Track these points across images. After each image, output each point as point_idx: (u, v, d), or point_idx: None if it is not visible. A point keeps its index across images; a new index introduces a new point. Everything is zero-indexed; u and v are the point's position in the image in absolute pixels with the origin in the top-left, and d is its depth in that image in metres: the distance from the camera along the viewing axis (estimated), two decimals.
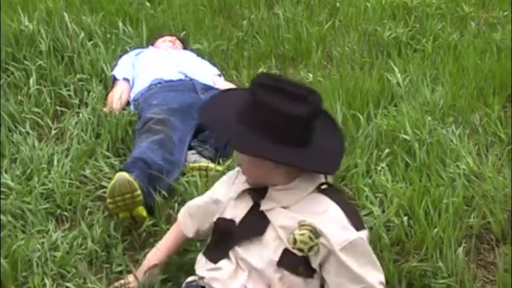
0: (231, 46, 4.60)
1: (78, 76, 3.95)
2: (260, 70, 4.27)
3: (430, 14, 5.06)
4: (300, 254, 2.15)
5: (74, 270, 2.70)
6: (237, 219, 2.29)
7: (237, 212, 2.31)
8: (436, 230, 2.79)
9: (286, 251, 2.16)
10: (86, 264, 2.74)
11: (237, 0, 5.23)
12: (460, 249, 2.71)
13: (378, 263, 2.22)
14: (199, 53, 4.33)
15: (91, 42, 4.21)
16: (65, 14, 4.30)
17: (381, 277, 2.21)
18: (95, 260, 2.78)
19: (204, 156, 3.35)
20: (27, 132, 3.51)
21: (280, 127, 2.15)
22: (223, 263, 2.27)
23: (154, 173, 3.02)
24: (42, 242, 2.82)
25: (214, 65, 4.18)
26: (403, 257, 2.78)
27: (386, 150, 3.35)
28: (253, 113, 2.17)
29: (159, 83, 3.76)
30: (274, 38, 4.73)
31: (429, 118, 3.56)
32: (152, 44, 4.33)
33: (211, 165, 3.26)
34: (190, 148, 3.38)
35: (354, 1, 5.32)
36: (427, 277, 2.67)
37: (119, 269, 2.73)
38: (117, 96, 3.78)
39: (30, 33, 4.17)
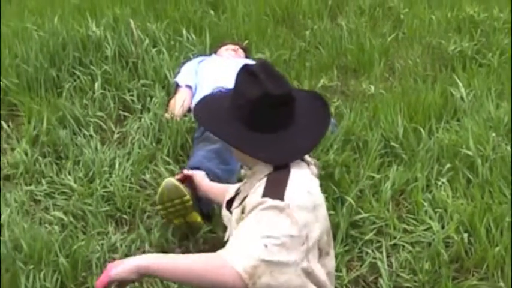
0: (293, 56, 4.59)
1: (141, 82, 4.00)
2: (322, 81, 4.26)
3: (497, 28, 4.98)
4: None
5: None
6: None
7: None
8: (497, 248, 2.74)
9: None
10: None
11: (300, 10, 5.24)
12: None
13: (265, 236, 1.90)
14: None
15: (155, 49, 4.26)
16: (131, 21, 4.37)
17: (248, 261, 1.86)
18: None
19: None
20: (91, 136, 3.58)
21: (243, 109, 2.17)
22: None
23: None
24: (102, 244, 2.87)
25: None
26: (462, 274, 2.74)
27: (448, 165, 3.31)
28: (232, 95, 2.23)
29: (221, 91, 3.78)
30: (336, 49, 4.71)
31: (493, 134, 3.49)
32: (215, 52, 4.36)
33: None
34: None
35: (419, 14, 5.27)
36: None
37: None
38: (180, 103, 3.81)
39: (97, 38, 4.24)
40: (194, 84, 3.97)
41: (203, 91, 3.80)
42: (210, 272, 1.88)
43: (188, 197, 2.85)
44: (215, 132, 2.28)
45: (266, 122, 2.17)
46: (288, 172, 2.13)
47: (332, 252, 2.22)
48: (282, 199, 2.00)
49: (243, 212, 2.12)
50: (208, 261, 1.92)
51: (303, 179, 2.14)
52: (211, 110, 2.30)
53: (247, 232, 1.96)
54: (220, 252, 1.94)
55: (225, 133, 2.21)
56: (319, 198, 2.17)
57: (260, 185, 2.10)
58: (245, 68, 2.22)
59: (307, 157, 2.28)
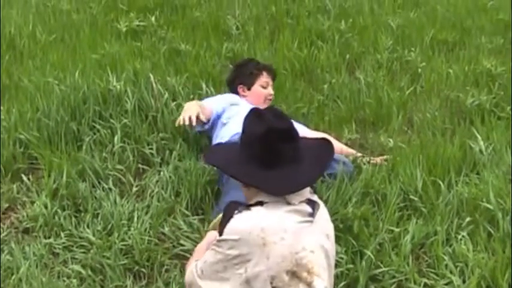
0: (311, 110, 4.61)
1: (160, 135, 4.02)
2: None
3: None
4: None
5: None
6: None
7: None
8: None
9: None
10: None
11: (318, 64, 5.28)
12: None
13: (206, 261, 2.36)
14: None
15: (174, 103, 4.29)
16: (151, 75, 4.42)
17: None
18: None
19: None
20: (110, 189, 3.59)
21: (245, 144, 2.39)
22: None
23: None
24: None
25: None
26: None
27: (468, 219, 3.28)
28: (241, 138, 2.46)
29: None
30: (354, 102, 4.73)
31: None
32: (249, 87, 4.25)
33: None
34: None
35: (436, 67, 5.30)
36: None
37: None
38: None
39: (117, 92, 4.29)
40: (216, 112, 3.99)
41: (234, 128, 3.74)
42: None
43: None
44: (223, 168, 2.56)
45: (273, 157, 2.33)
46: (247, 210, 2.33)
47: None
48: (221, 234, 2.34)
49: None
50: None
51: (259, 218, 2.30)
52: (222, 153, 2.56)
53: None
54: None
55: (233, 170, 2.43)
56: (279, 235, 2.26)
57: None
58: (252, 111, 2.43)
59: (298, 197, 2.32)
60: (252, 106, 4.03)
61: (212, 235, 2.64)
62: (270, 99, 4.26)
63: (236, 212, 2.35)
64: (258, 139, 2.32)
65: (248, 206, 2.37)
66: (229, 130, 3.78)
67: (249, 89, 4.26)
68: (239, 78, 4.32)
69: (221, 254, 2.29)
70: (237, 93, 4.27)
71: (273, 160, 2.32)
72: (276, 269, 2.20)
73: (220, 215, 2.84)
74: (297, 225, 2.29)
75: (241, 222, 2.30)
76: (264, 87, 4.25)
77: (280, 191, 2.33)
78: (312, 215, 2.34)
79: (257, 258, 2.20)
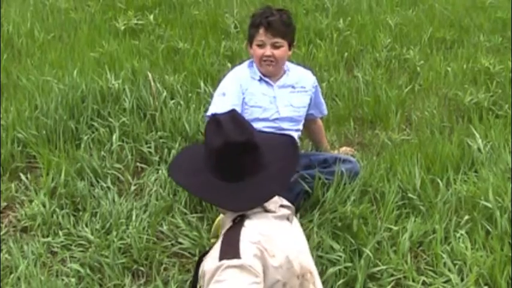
0: None
1: (159, 133, 4.02)
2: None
3: None
4: None
5: None
6: None
7: None
8: None
9: None
10: None
11: (316, 62, 5.28)
12: None
13: None
14: None
15: (173, 101, 4.30)
16: (149, 74, 4.42)
17: None
18: None
19: None
20: (108, 187, 3.59)
21: (206, 155, 2.24)
22: None
23: None
24: None
25: None
26: None
27: (466, 217, 3.28)
28: (204, 145, 2.30)
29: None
30: (353, 101, 4.74)
31: None
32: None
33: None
34: None
35: (435, 66, 5.31)
36: None
37: None
38: None
39: (116, 91, 4.29)
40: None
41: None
42: None
43: None
44: (178, 182, 2.44)
45: (232, 170, 2.22)
46: (241, 227, 2.17)
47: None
48: (238, 257, 2.05)
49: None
50: None
51: (256, 228, 2.18)
52: (185, 161, 2.38)
53: None
54: None
55: (188, 183, 2.28)
56: (282, 243, 2.19)
57: (214, 248, 2.15)
58: (212, 118, 2.28)
59: (273, 204, 2.29)
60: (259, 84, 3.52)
61: None
62: (268, 62, 3.42)
63: (235, 236, 2.16)
64: (216, 152, 2.21)
65: (237, 223, 2.21)
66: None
67: (251, 47, 3.50)
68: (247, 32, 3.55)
69: (252, 271, 2.04)
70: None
71: (232, 173, 2.22)
72: (287, 276, 2.17)
73: (221, 221, 2.83)
74: (288, 231, 2.28)
75: (248, 242, 2.12)
76: (260, 46, 3.42)
77: (238, 206, 2.22)
78: (288, 218, 2.33)
79: (272, 269, 2.14)
